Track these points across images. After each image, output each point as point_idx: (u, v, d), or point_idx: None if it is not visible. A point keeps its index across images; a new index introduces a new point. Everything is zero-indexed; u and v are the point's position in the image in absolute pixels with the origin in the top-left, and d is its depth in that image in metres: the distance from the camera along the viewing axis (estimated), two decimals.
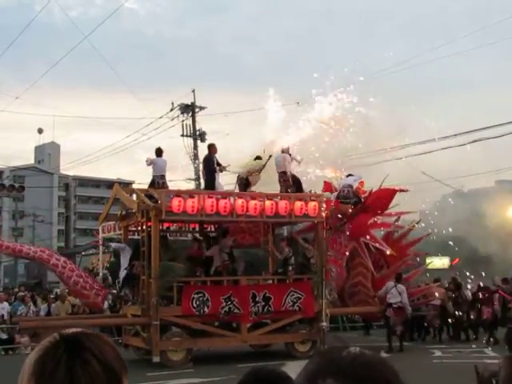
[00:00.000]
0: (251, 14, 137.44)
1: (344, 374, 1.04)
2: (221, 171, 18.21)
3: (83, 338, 1.32)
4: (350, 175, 19.43)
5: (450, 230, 21.08)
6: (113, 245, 19.27)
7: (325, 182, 19.62)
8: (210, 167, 18.11)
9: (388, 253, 19.10)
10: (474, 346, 18.24)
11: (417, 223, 20.20)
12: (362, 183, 19.57)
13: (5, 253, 16.73)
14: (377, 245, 19.13)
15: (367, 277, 19.00)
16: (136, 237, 18.59)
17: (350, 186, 19.03)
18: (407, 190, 19.27)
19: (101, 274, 24.38)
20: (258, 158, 18.59)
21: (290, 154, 18.19)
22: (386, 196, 18.99)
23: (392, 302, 18.00)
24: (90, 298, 16.30)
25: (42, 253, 16.33)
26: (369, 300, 18.89)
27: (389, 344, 17.84)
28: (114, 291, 17.93)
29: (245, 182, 18.24)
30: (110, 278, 18.38)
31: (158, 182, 17.59)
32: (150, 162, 18.05)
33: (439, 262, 26.95)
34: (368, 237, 19.01)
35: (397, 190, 18.95)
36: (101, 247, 25.08)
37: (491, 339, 18.84)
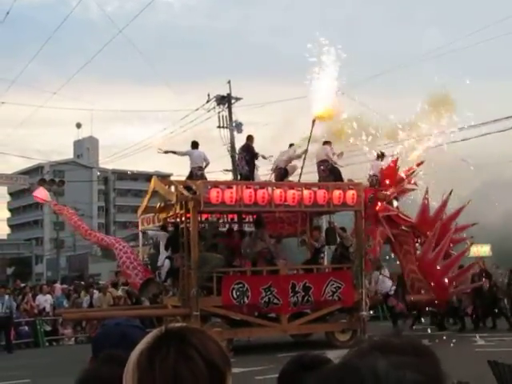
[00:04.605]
0: (286, 3, 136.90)
1: (389, 348, 1.04)
2: (264, 158, 18.58)
3: (188, 333, 1.32)
4: (380, 156, 19.35)
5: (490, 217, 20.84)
6: (150, 233, 20.99)
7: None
8: (251, 155, 18.16)
9: (397, 215, 18.75)
10: None
11: (467, 203, 19.87)
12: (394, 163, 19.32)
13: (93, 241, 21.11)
14: (389, 213, 18.80)
15: (414, 262, 18.87)
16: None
17: (375, 176, 19.09)
18: (422, 162, 19.13)
19: None
20: (292, 145, 18.66)
21: (331, 147, 18.29)
22: (391, 167, 19.09)
23: None
24: (131, 278, 17.97)
25: (107, 238, 19.76)
26: (422, 285, 18.66)
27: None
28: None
29: (283, 172, 18.25)
30: (150, 268, 18.56)
31: (196, 174, 17.67)
32: (184, 153, 18.17)
33: (480, 250, 26.60)
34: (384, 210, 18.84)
35: (397, 158, 19.09)
36: (140, 239, 25.29)
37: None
